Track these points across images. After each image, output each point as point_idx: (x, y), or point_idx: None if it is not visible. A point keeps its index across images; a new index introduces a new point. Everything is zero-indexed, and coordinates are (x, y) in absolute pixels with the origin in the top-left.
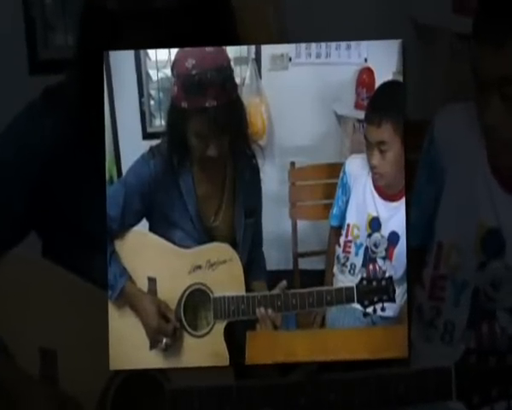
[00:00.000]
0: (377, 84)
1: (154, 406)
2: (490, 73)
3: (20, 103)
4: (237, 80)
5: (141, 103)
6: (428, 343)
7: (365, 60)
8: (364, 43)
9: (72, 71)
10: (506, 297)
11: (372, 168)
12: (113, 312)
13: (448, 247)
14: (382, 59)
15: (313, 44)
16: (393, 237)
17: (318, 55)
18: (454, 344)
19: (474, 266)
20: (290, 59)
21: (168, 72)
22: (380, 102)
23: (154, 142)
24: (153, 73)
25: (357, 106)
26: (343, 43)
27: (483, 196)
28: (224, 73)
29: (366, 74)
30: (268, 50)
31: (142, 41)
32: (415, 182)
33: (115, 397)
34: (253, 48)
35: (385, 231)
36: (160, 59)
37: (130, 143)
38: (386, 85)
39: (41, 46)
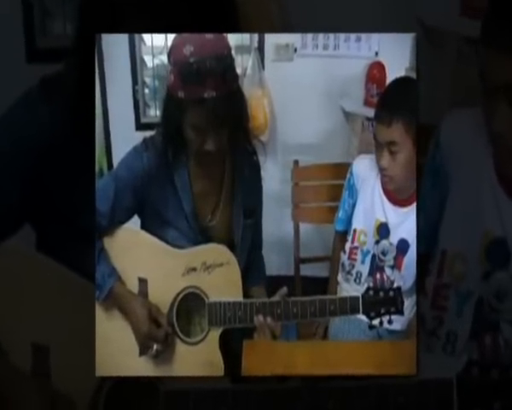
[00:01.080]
0: (388, 80)
1: (148, 406)
2: (497, 79)
3: (17, 91)
4: (238, 70)
5: (134, 91)
6: (430, 353)
7: (376, 54)
8: (375, 36)
9: (70, 59)
10: (510, 309)
11: (381, 170)
12: (100, 314)
13: (452, 255)
14: (394, 53)
15: (320, 35)
16: (403, 245)
17: (326, 47)
18: (456, 355)
19: (478, 276)
20: (295, 50)
21: (164, 58)
22: (391, 100)
23: (148, 133)
24: (148, 60)
25: (367, 103)
26: (353, 35)
27: (489, 205)
28: (225, 61)
29: (377, 69)
30: (272, 40)
31: (141, 29)
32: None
33: (108, 396)
34: (255, 36)
35: (394, 238)
36: (156, 44)
37: (122, 133)
38: (399, 82)
39: (39, 34)
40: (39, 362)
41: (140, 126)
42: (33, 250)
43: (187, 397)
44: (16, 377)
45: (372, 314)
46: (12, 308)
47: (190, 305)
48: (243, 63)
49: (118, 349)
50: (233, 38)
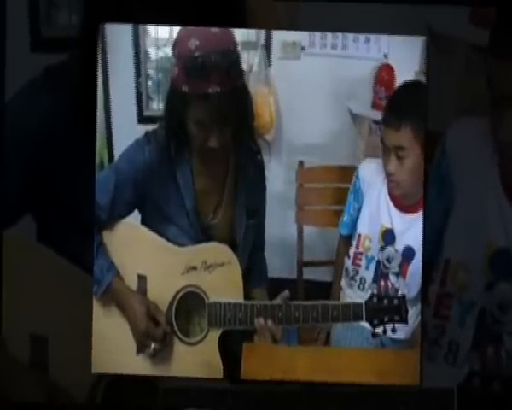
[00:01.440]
0: (397, 83)
1: (146, 402)
2: (505, 88)
3: (21, 80)
4: (244, 67)
5: (137, 84)
6: (431, 363)
7: (385, 56)
8: (385, 38)
9: (74, 50)
10: None
11: (388, 175)
12: (98, 309)
13: (455, 264)
14: (404, 56)
15: (329, 34)
16: (408, 253)
17: (334, 47)
18: (457, 365)
19: (481, 286)
20: (303, 48)
21: (169, 51)
22: (400, 104)
23: (150, 126)
24: (152, 52)
25: (375, 105)
26: (362, 36)
27: (493, 214)
28: (230, 57)
29: (386, 72)
30: (279, 37)
31: (147, 21)
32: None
33: (107, 390)
34: (262, 33)
35: (399, 245)
36: (161, 36)
37: (124, 126)
38: (408, 86)
39: (44, 24)
40: (37, 353)
41: (142, 119)
42: (34, 241)
43: (186, 395)
44: (15, 367)
45: (375, 322)
46: (11, 298)
47: (190, 304)
48: (249, 60)
49: (115, 346)
50: (239, 34)
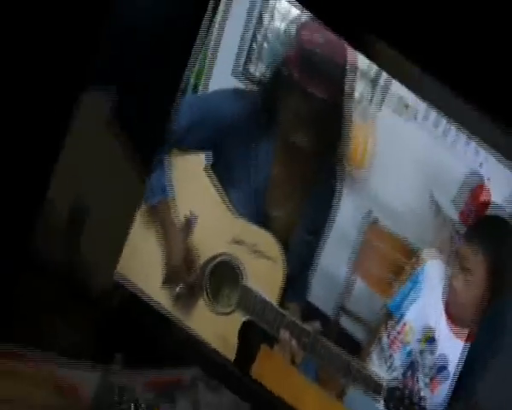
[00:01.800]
0: (489, 207)
1: (157, 334)
2: None
3: None
4: (356, 94)
5: (247, 41)
6: None
7: (488, 177)
8: (495, 161)
9: None
10: None
11: (450, 286)
12: (140, 220)
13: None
14: (505, 186)
15: (447, 122)
16: (443, 372)
17: (446, 134)
18: None
19: None
20: (415, 116)
21: (285, 25)
22: (485, 232)
23: (243, 84)
24: (270, 20)
25: (461, 214)
26: (474, 144)
27: None
28: (335, 70)
29: (482, 191)
30: (398, 90)
31: None
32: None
33: (124, 300)
34: (385, 75)
35: (437, 357)
36: (284, 9)
37: (220, 71)
38: (499, 220)
39: None
40: (73, 227)
41: (237, 74)
42: (110, 117)
43: (195, 354)
44: (51, 230)
45: (391, 405)
46: (67, 164)
47: (226, 274)
48: (363, 90)
49: (146, 264)
50: (362, 62)
